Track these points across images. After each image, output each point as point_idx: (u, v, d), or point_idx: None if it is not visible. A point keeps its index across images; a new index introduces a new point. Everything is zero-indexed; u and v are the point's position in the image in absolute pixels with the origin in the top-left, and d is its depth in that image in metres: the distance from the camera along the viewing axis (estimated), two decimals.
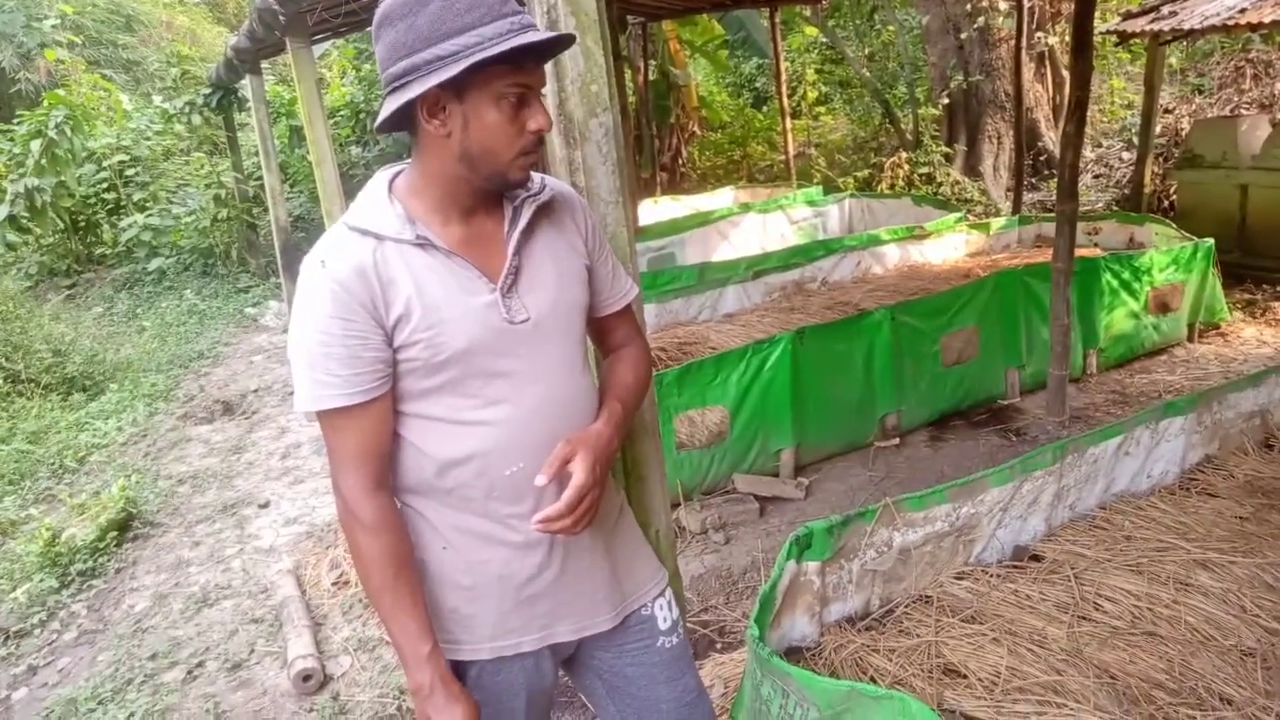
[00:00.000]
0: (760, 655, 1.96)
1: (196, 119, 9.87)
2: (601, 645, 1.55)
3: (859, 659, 2.29)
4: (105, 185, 10.27)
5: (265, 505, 4.35)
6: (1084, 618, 2.37)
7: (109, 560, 3.92)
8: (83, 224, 10.28)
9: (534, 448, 1.36)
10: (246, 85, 8.05)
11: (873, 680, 2.19)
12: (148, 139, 11.01)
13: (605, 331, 1.60)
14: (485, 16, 1.22)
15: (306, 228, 10.66)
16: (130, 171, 10.43)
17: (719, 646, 3.01)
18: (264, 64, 8.16)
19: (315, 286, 1.27)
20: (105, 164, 10.24)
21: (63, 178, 8.91)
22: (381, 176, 1.38)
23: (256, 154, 8.86)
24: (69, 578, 3.77)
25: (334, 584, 3.43)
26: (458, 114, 1.26)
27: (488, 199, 1.37)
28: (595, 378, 1.53)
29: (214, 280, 9.65)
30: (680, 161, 13.08)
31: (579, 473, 1.32)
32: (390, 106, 1.28)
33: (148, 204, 10.22)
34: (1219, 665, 2.13)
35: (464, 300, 1.31)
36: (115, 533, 4.07)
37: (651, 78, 11.72)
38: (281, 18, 4.64)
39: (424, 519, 1.41)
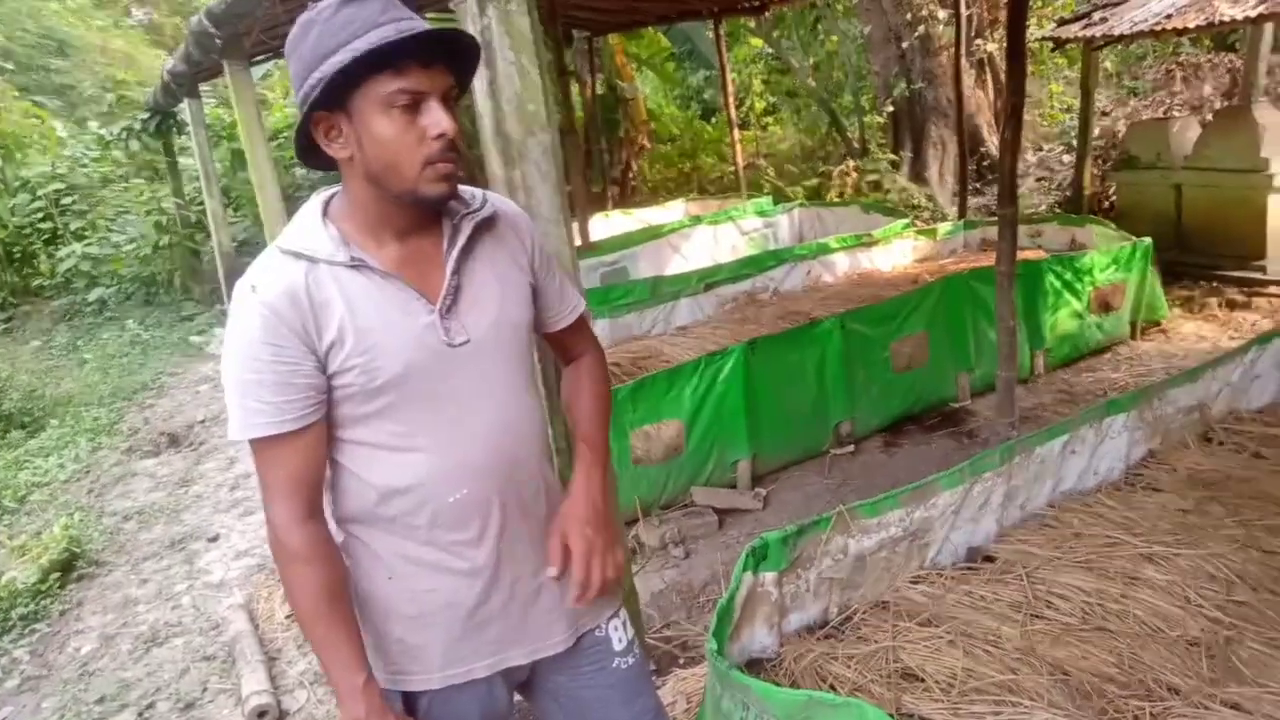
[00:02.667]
0: (719, 669, 1.96)
1: (135, 145, 9.69)
2: (556, 668, 1.52)
3: (819, 667, 2.29)
4: (41, 215, 10.00)
5: (215, 539, 4.24)
6: (1036, 616, 2.40)
7: (52, 603, 3.80)
8: (18, 255, 10.00)
9: (477, 472, 1.34)
10: (185, 109, 7.91)
11: (832, 688, 2.19)
12: (84, 166, 10.77)
13: (562, 345, 1.60)
14: (360, 29, 1.18)
15: (251, 252, 10.44)
16: (67, 200, 10.18)
17: (681, 662, 2.99)
18: (203, 87, 8.03)
19: (246, 312, 1.24)
20: (40, 193, 9.98)
21: None
22: (316, 199, 1.34)
23: (198, 179, 8.70)
24: (9, 623, 3.64)
25: (287, 617, 3.35)
26: (351, 133, 1.24)
27: (423, 218, 1.33)
28: (541, 396, 1.51)
29: (157, 309, 9.44)
30: (630, 175, 13.12)
31: (574, 543, 1.40)
32: (299, 138, 1.28)
33: (86, 233, 9.98)
34: (1166, 656, 2.17)
35: (401, 323, 1.28)
36: (58, 574, 3.94)
37: (599, 92, 11.75)
38: (218, 40, 4.58)
39: (367, 548, 1.37)
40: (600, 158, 12.08)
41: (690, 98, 15.62)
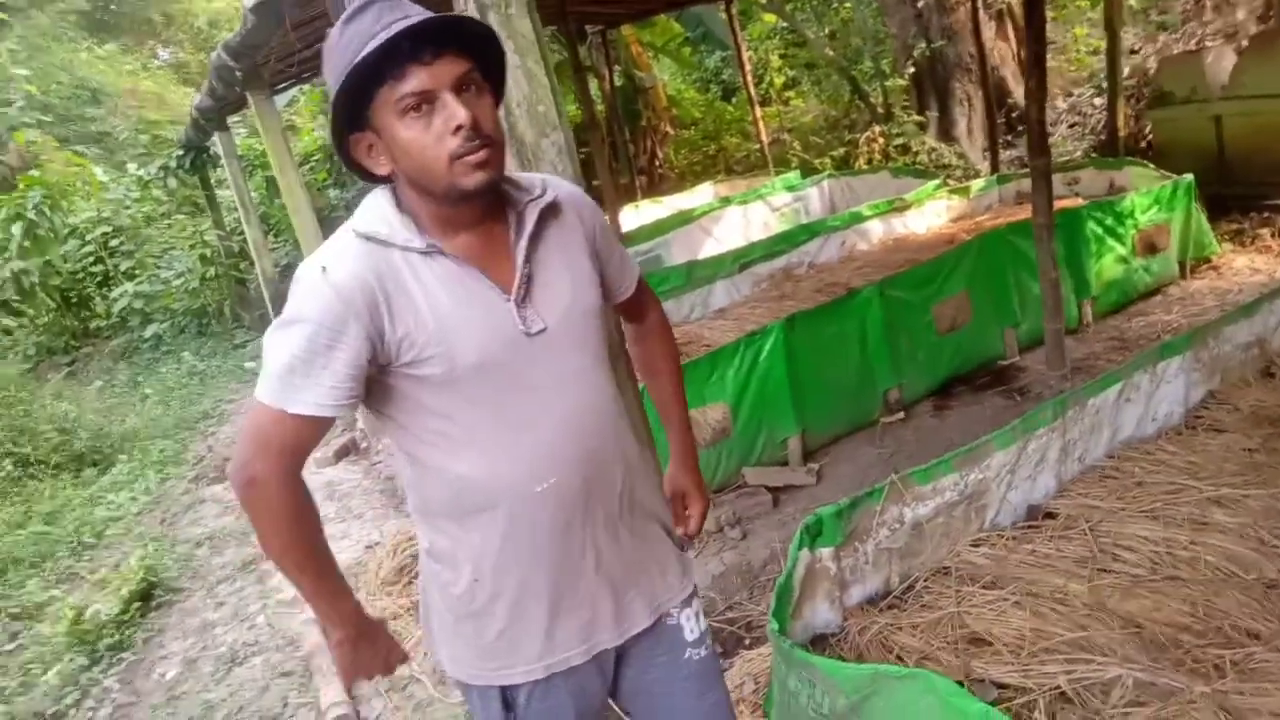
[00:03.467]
0: (783, 648, 1.96)
1: (173, 182, 9.94)
2: (630, 660, 1.53)
3: (884, 639, 2.29)
4: (92, 259, 10.33)
5: None
6: (1104, 570, 2.36)
7: (135, 631, 3.93)
8: (74, 299, 10.33)
9: (563, 461, 1.33)
10: (217, 142, 8.08)
11: (899, 659, 2.18)
12: (127, 208, 11.08)
13: (627, 310, 1.65)
14: (359, 44, 1.18)
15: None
16: (114, 242, 10.49)
17: (747, 643, 3.00)
18: (233, 119, 8.20)
19: (313, 292, 1.22)
20: (88, 238, 10.29)
21: (48, 257, 8.97)
22: (383, 190, 1.32)
23: (236, 209, 8.90)
24: (98, 654, 3.78)
25: None
26: (382, 148, 1.25)
27: (483, 210, 1.31)
28: (625, 378, 1.53)
29: (210, 339, 9.68)
30: (657, 163, 13.09)
31: (694, 506, 1.69)
32: (346, 164, 1.31)
33: (136, 271, 10.28)
34: (1243, 601, 2.12)
35: (478, 312, 1.27)
36: (139, 603, 4.08)
37: (618, 83, 11.73)
38: (238, 73, 4.67)
39: (455, 545, 1.37)
40: (625, 149, 12.07)
41: (709, 80, 15.51)
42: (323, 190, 11.47)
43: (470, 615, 1.39)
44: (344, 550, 4.23)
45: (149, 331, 9.75)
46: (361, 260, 1.23)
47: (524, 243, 1.32)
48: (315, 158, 11.94)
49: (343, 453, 5.61)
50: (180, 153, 9.42)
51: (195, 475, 5.83)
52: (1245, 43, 7.00)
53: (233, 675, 3.44)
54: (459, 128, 1.19)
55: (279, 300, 7.96)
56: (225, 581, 4.26)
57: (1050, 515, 2.68)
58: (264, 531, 1.29)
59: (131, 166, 12.09)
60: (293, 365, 1.21)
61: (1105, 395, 2.84)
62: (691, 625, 1.57)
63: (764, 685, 2.59)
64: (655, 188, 12.15)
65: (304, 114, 13.89)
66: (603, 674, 1.49)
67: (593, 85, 10.47)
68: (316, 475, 5.37)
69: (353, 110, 1.23)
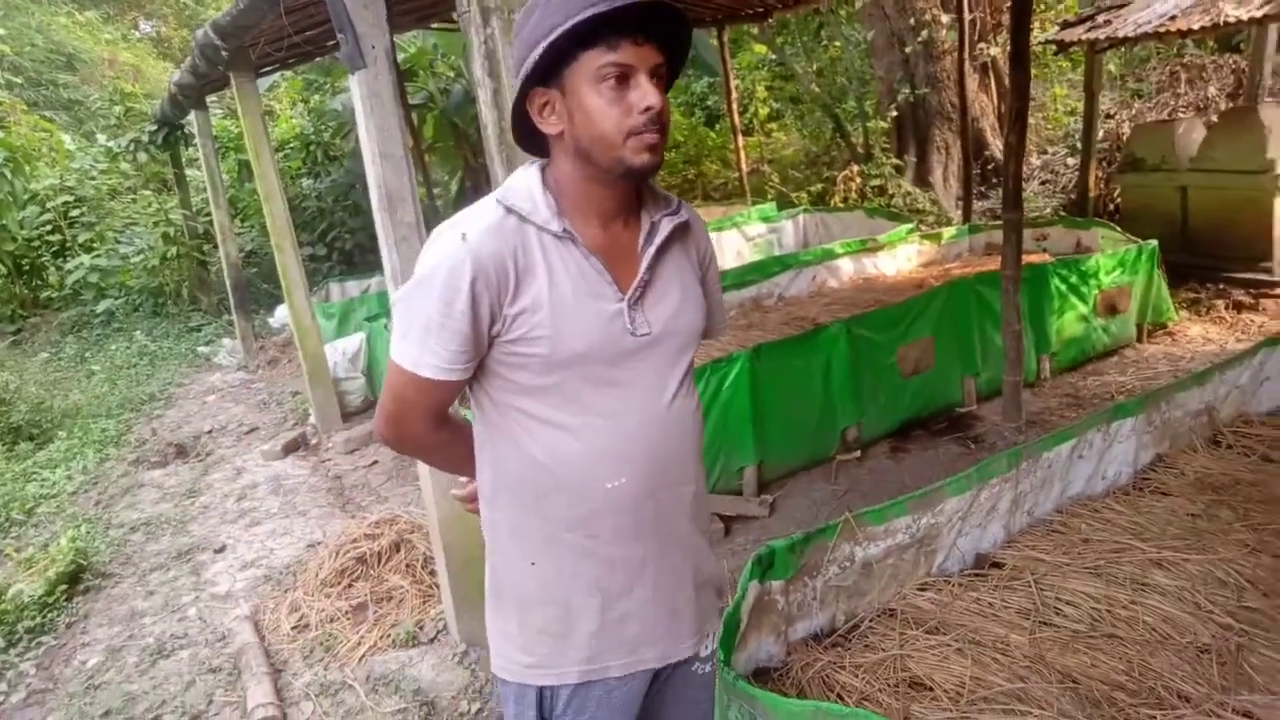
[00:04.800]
0: (726, 680, 1.94)
1: (142, 156, 9.72)
2: (657, 686, 1.53)
3: (826, 677, 2.28)
4: (50, 227, 10.06)
5: (221, 550, 4.25)
6: (1045, 623, 2.37)
7: (59, 615, 3.80)
8: (27, 268, 10.05)
9: (638, 463, 1.35)
10: (193, 121, 7.95)
11: (840, 698, 2.17)
12: (92, 179, 10.83)
13: None
14: (577, 7, 1.20)
15: (259, 263, 10.53)
16: (75, 212, 10.24)
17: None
18: (210, 99, 8.07)
19: (453, 258, 1.25)
20: (49, 205, 10.03)
21: (3, 221, 8.72)
22: (533, 167, 1.37)
23: (205, 190, 8.75)
24: (16, 636, 3.64)
25: (294, 628, 3.34)
26: (563, 108, 1.27)
27: (625, 204, 1.36)
28: (700, 402, 1.52)
29: (164, 320, 9.47)
30: None
31: None
32: (515, 120, 1.32)
33: (94, 245, 10.03)
34: (1176, 664, 2.14)
35: (592, 303, 1.31)
36: (65, 586, 3.94)
37: None
38: (224, 53, 4.60)
39: (515, 528, 1.39)
40: None
41: (694, 105, 15.64)
42: (296, 179, 11.31)
43: (519, 601, 1.40)
44: (284, 548, 4.14)
45: (101, 307, 9.50)
46: (500, 232, 1.28)
47: (652, 250, 1.36)
48: (291, 145, 11.79)
49: (292, 447, 5.51)
50: (154, 127, 9.23)
51: (136, 458, 5.68)
52: (1215, 118, 7.23)
53: (158, 668, 3.34)
54: (649, 109, 1.24)
55: (240, 287, 7.79)
56: (158, 570, 4.14)
57: (997, 565, 2.69)
58: (422, 462, 1.39)
59: (101, 137, 11.84)
60: (427, 327, 1.27)
61: (1059, 450, 2.87)
62: (707, 641, 1.61)
63: None
64: None
65: (284, 100, 13.73)
66: (638, 695, 1.49)
67: None
68: (263, 468, 5.26)
69: (544, 64, 1.24)
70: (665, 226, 1.38)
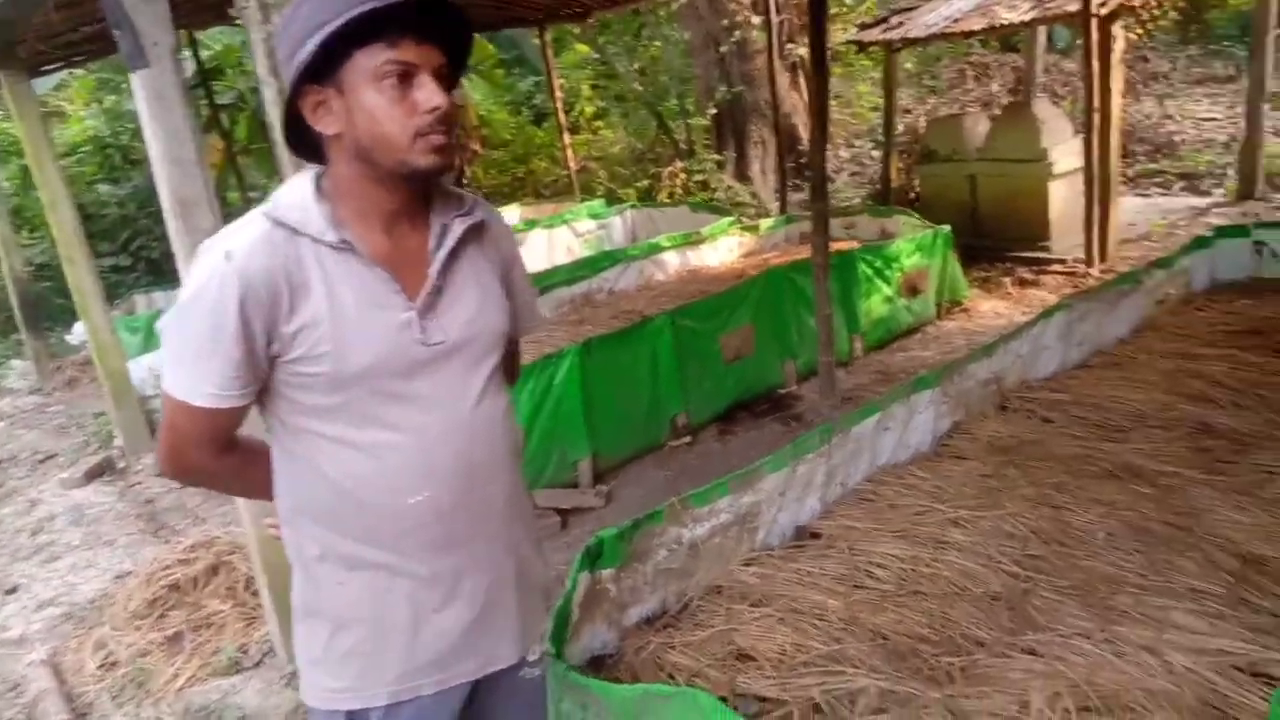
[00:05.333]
0: (557, 672, 1.96)
1: None
2: (479, 695, 1.47)
3: (658, 658, 2.34)
4: None
5: (13, 590, 3.87)
6: (858, 586, 2.53)
7: None
8: None
9: (442, 475, 1.30)
10: None
11: (671, 677, 2.24)
12: None
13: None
14: (352, 1, 1.14)
15: (52, 276, 9.62)
16: None
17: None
18: None
19: (217, 280, 1.18)
20: None
21: None
22: (307, 174, 1.28)
23: None
24: None
25: (100, 667, 3.10)
26: (340, 108, 1.21)
27: (412, 208, 1.30)
28: (511, 405, 1.46)
29: None
30: (465, 181, 12.92)
31: None
32: (285, 121, 1.25)
33: None
34: (972, 612, 2.34)
35: (378, 315, 1.25)
36: None
37: None
38: None
39: (320, 549, 1.32)
40: None
41: (521, 103, 15.54)
42: (92, 185, 10.41)
43: (326, 625, 1.34)
44: (88, 582, 3.82)
45: None
46: (267, 247, 1.21)
47: (443, 254, 1.31)
48: (85, 149, 10.85)
49: (95, 473, 5.09)
50: None
51: None
52: (997, 111, 7.89)
53: None
54: (435, 109, 1.20)
55: (29, 303, 7.08)
56: None
57: (815, 535, 2.85)
58: (215, 491, 1.28)
59: None
60: (198, 353, 1.21)
61: (866, 424, 3.07)
62: (537, 646, 1.57)
63: None
64: None
65: (76, 100, 12.61)
66: (455, 709, 1.43)
67: None
68: (62, 498, 4.84)
69: (316, 62, 1.18)
70: (457, 228, 1.33)
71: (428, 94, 1.20)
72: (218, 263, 1.19)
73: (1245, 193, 7.72)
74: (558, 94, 9.50)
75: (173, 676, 2.94)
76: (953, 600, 2.41)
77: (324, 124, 1.23)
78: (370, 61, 1.18)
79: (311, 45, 1.16)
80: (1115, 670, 2.01)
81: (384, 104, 1.19)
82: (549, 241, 7.72)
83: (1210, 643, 2.08)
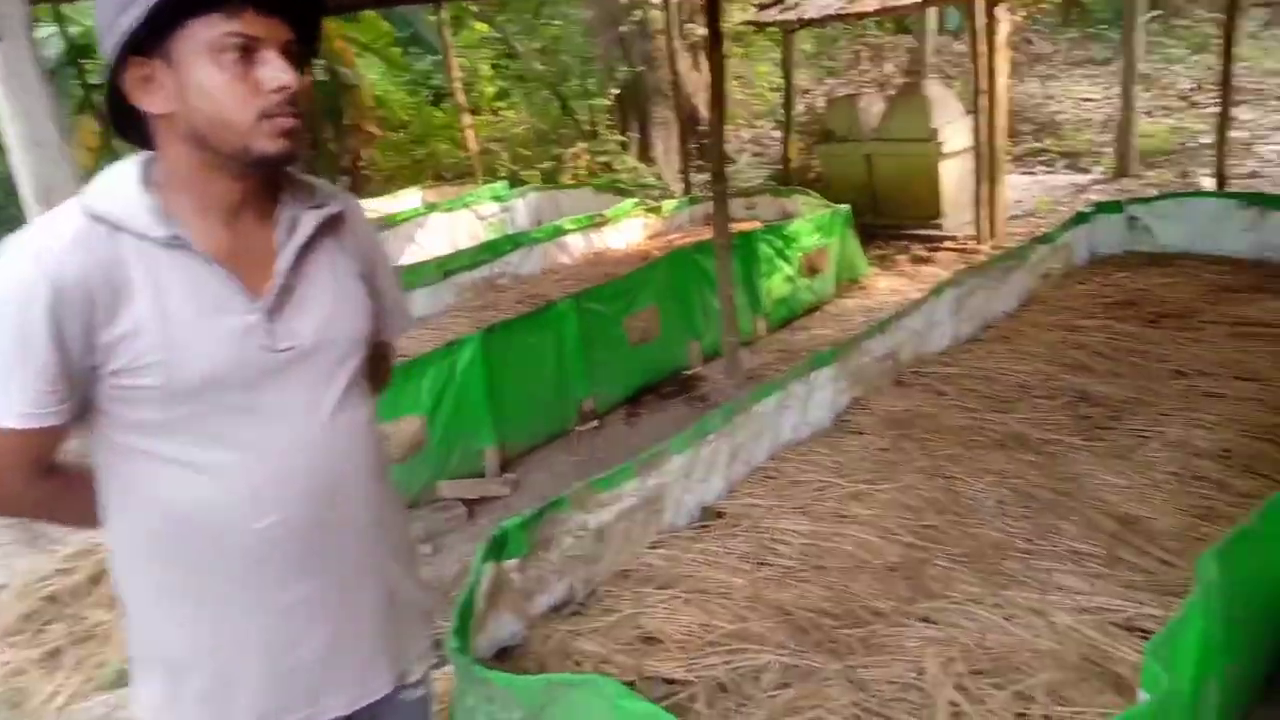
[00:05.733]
0: (461, 666, 1.93)
1: None
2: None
3: (565, 646, 2.33)
4: None
5: None
6: (762, 563, 2.57)
7: None
8: None
9: (293, 495, 1.18)
10: None
11: (578, 665, 2.23)
12: None
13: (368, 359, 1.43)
14: None
15: None
16: None
17: (435, 662, 2.93)
18: None
19: (25, 284, 1.04)
20: None
21: None
22: (131, 161, 1.14)
23: None
24: None
25: None
26: (172, 83, 1.07)
27: (256, 197, 1.17)
28: (373, 414, 1.33)
29: None
30: (361, 164, 12.55)
31: None
32: (109, 99, 1.11)
33: None
34: (871, 584, 2.40)
35: (216, 320, 1.11)
36: None
37: (320, 78, 11.13)
38: None
39: (158, 584, 1.18)
40: (326, 148, 11.45)
41: (419, 83, 15.17)
42: None
43: (168, 667, 1.20)
44: None
45: None
46: (82, 246, 1.06)
47: (292, 250, 1.18)
48: None
49: None
50: None
51: None
52: (892, 92, 8.07)
53: None
54: (282, 88, 1.08)
55: None
56: None
57: (720, 515, 2.88)
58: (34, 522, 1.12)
59: None
60: (5, 368, 1.07)
61: (768, 403, 3.11)
62: (416, 669, 1.43)
63: (449, 706, 2.54)
64: (359, 190, 11.63)
65: None
66: None
67: None
68: None
69: (142, 31, 1.04)
70: (309, 221, 1.20)
71: (274, 71, 1.08)
72: (25, 265, 1.06)
73: (1121, 170, 8.13)
74: (456, 74, 9.29)
75: (52, 695, 2.78)
76: (853, 573, 2.47)
77: (151, 102, 1.10)
78: (206, 33, 1.05)
79: (137, 11, 1.03)
80: (1004, 633, 2.10)
81: (223, 81, 1.06)
82: (451, 225, 7.57)
83: (1091, 601, 2.19)
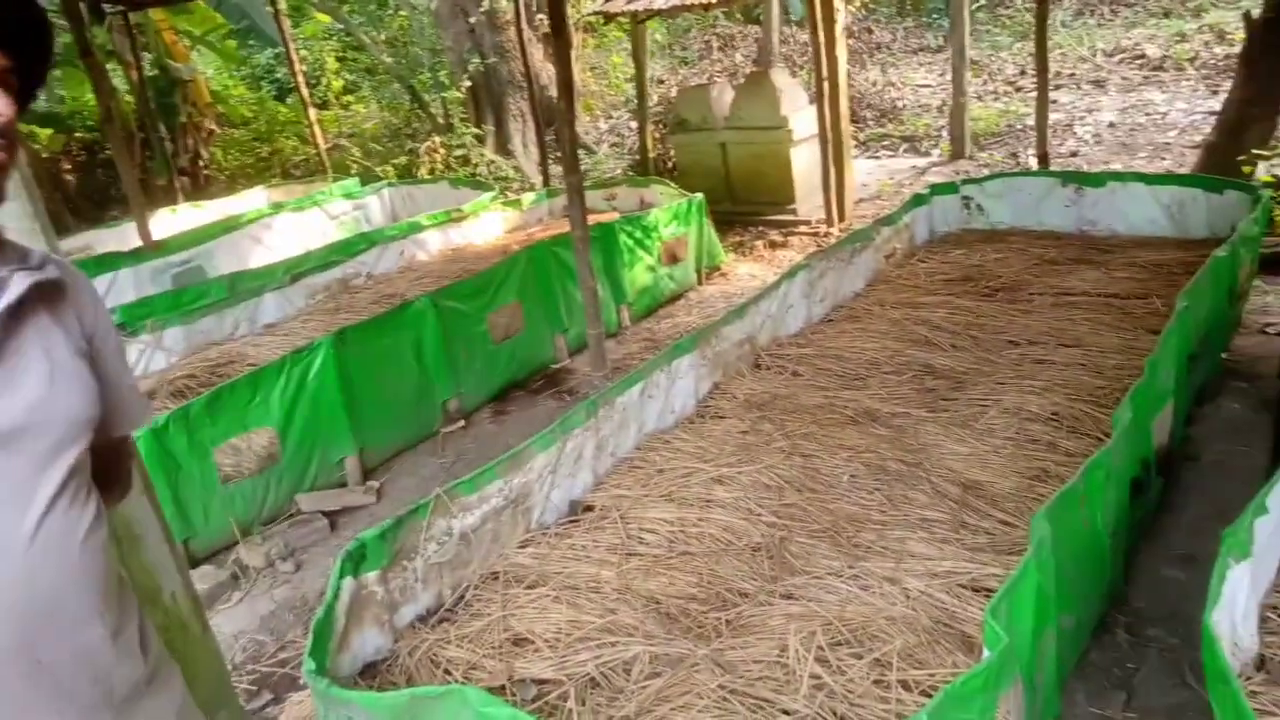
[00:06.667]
0: (319, 688, 1.85)
1: None
2: None
3: (434, 655, 2.27)
4: None
5: None
6: (631, 554, 2.58)
7: None
8: None
9: None
10: None
11: (447, 674, 2.18)
12: None
13: (104, 461, 1.21)
14: None
15: None
16: None
17: (300, 683, 2.81)
18: None
19: None
20: None
21: None
22: None
23: None
24: None
25: None
26: None
27: None
28: (101, 515, 1.11)
29: None
30: (201, 163, 11.85)
31: None
32: None
33: None
34: (737, 565, 2.45)
35: None
36: None
37: (150, 73, 10.42)
38: None
39: None
40: (161, 147, 10.75)
41: (261, 77, 14.46)
42: None
43: None
44: None
45: None
46: None
47: None
48: None
49: None
50: None
51: None
52: (741, 80, 8.23)
53: None
54: None
55: None
56: None
57: (589, 508, 2.87)
58: None
59: None
60: None
61: (631, 393, 3.12)
62: None
63: None
64: (201, 190, 11.00)
65: None
66: None
67: (117, 74, 9.18)
68: None
69: None
70: (18, 285, 1.03)
71: None
72: None
73: (957, 152, 8.58)
74: (299, 67, 8.89)
75: None
76: (719, 556, 2.51)
77: None
78: None
79: None
80: (862, 603, 2.18)
81: None
82: (300, 225, 7.24)
83: (940, 566, 2.30)
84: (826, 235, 6.60)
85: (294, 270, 5.42)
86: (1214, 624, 1.53)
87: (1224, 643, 1.53)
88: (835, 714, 1.85)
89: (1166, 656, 2.37)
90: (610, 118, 11.89)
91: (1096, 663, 2.39)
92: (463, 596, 2.51)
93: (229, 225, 6.90)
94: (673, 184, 6.45)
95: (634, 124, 10.58)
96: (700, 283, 5.98)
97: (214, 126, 12.12)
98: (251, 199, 8.47)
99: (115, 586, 1.13)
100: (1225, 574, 1.64)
